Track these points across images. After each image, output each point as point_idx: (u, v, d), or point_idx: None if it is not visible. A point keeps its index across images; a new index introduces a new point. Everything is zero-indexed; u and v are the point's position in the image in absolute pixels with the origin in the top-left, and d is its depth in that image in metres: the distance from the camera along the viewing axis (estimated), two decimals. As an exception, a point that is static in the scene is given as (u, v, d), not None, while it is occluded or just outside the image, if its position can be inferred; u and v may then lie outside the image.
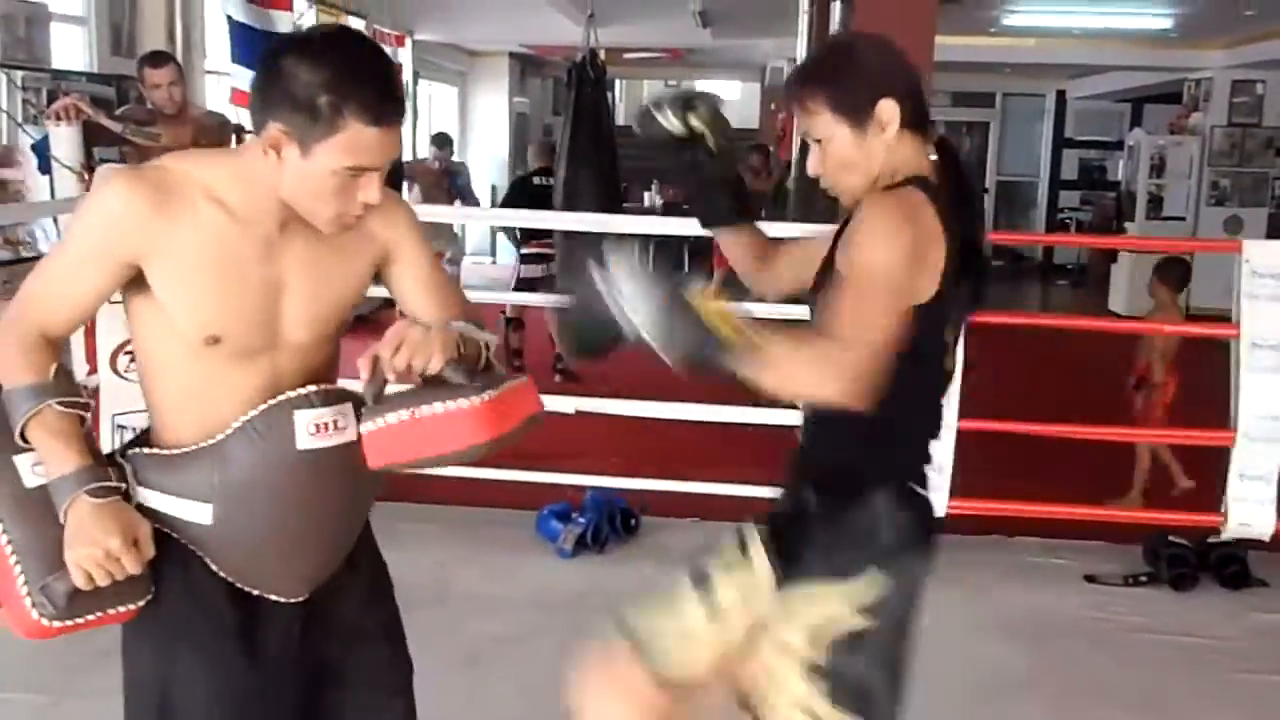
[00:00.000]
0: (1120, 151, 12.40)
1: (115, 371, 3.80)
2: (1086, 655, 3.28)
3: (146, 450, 1.54)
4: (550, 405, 3.96)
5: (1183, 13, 8.77)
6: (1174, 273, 4.85)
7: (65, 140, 3.94)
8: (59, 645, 3.06)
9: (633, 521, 4.05)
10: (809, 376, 1.48)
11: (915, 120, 1.63)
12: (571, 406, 3.97)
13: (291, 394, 1.50)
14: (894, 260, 1.51)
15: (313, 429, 1.49)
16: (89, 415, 1.51)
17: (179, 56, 5.36)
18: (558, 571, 3.78)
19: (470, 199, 7.94)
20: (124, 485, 1.49)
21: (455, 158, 8.40)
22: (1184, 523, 3.84)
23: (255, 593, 1.56)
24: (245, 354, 1.50)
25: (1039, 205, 14.64)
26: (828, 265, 1.67)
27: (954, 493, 3.66)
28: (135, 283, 1.48)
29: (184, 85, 4.30)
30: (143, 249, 1.43)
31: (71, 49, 5.62)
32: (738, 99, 17.75)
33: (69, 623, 1.46)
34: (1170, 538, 3.84)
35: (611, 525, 3.96)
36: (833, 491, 1.70)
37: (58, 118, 3.97)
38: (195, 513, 1.50)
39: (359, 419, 1.48)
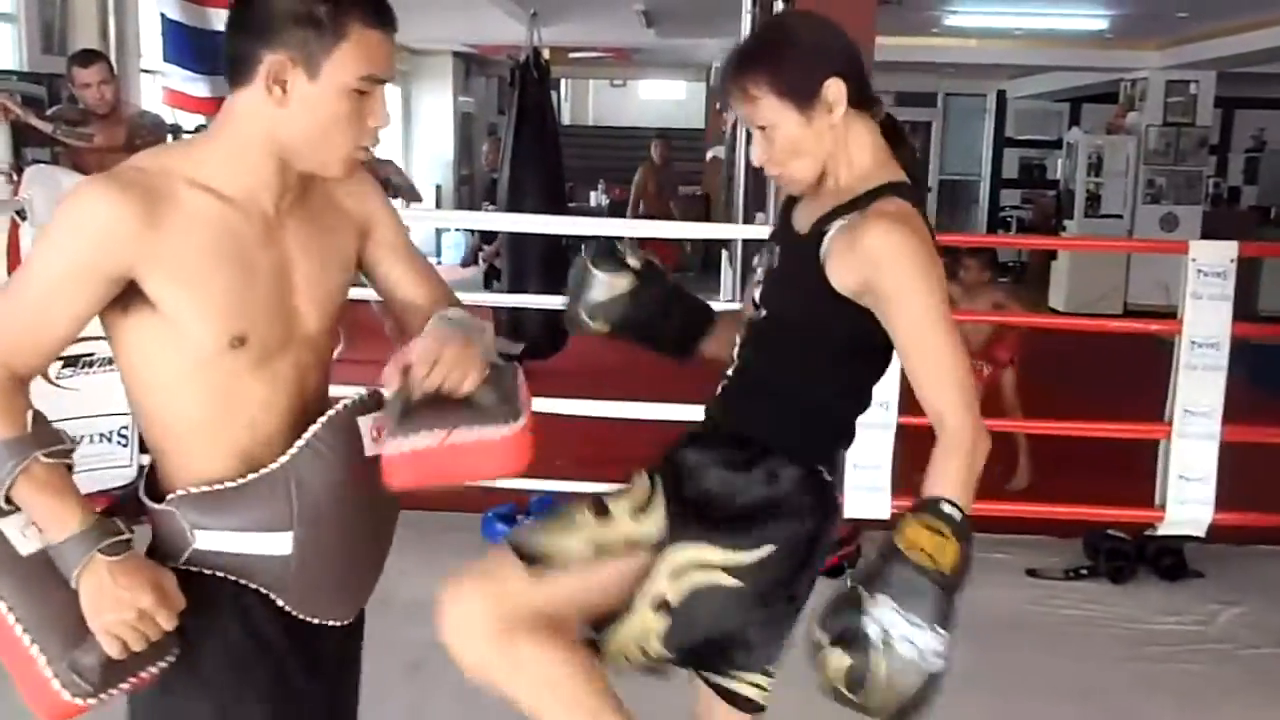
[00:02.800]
0: (1059, 150, 12.59)
1: (46, 378, 3.70)
2: (1027, 648, 3.32)
3: (196, 489, 1.37)
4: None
5: (1118, 14, 8.93)
6: (985, 257, 4.92)
7: (-7, 141, 3.85)
8: None
9: (579, 523, 4.03)
10: (978, 463, 1.50)
11: (861, 97, 1.56)
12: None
13: (349, 400, 1.40)
14: (940, 298, 1.50)
15: (374, 434, 1.40)
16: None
17: (112, 55, 5.26)
18: (503, 575, 3.74)
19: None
20: (133, 533, 1.34)
21: (389, 157, 8.30)
22: (1123, 518, 3.90)
23: (315, 621, 1.47)
24: (268, 354, 1.38)
25: (980, 203, 14.83)
26: (788, 263, 1.64)
27: (895, 490, 3.69)
28: (121, 300, 1.32)
29: (116, 84, 4.21)
30: (137, 260, 1.29)
31: (1, 47, 5.48)
32: (683, 98, 17.81)
33: (103, 696, 1.32)
34: (1109, 532, 3.90)
35: (557, 527, 3.93)
36: (743, 454, 1.65)
37: (-15, 117, 3.87)
38: (274, 545, 1.38)
39: (383, 441, 1.37)
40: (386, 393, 1.36)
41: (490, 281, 7.26)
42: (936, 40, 10.30)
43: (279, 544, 1.38)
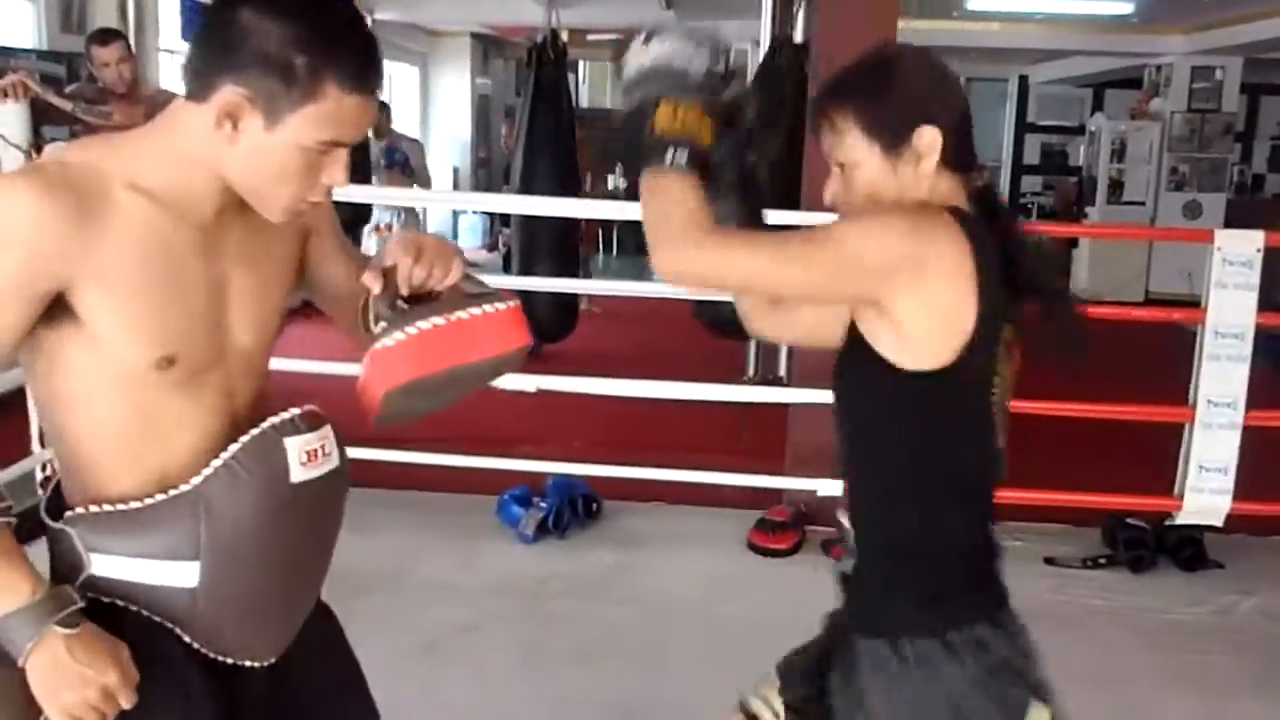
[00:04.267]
0: (1081, 136, 12.48)
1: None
2: (1046, 636, 3.27)
3: (96, 509, 1.25)
4: (512, 384, 3.95)
5: (1143, -2, 8.83)
6: None
7: (12, 118, 3.83)
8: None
9: (595, 506, 4.03)
10: (663, 226, 1.33)
11: (957, 158, 1.38)
12: (533, 385, 3.93)
13: (275, 420, 1.28)
14: (859, 232, 1.32)
15: (304, 458, 1.29)
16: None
17: (131, 34, 5.25)
18: (519, 557, 3.74)
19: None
20: (84, 601, 1.22)
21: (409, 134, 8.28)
22: (1142, 507, 3.87)
23: (230, 662, 1.33)
24: (195, 372, 1.26)
25: (1002, 189, 14.72)
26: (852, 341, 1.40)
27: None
28: (46, 314, 1.18)
29: (134, 63, 4.20)
30: (68, 272, 1.15)
31: (20, 26, 5.48)
32: (702, 82, 17.73)
33: None
34: (1128, 520, 3.88)
35: (573, 510, 3.94)
36: (875, 634, 1.38)
37: (4, 95, 3.86)
38: (178, 575, 1.25)
39: (375, 339, 1.25)
40: (373, 294, 1.27)
41: (510, 264, 7.25)
42: (958, 24, 10.20)
43: (184, 575, 1.25)
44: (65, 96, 4.13)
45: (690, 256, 1.31)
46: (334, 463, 1.34)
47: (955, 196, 1.38)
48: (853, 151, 1.38)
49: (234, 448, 1.26)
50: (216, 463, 1.25)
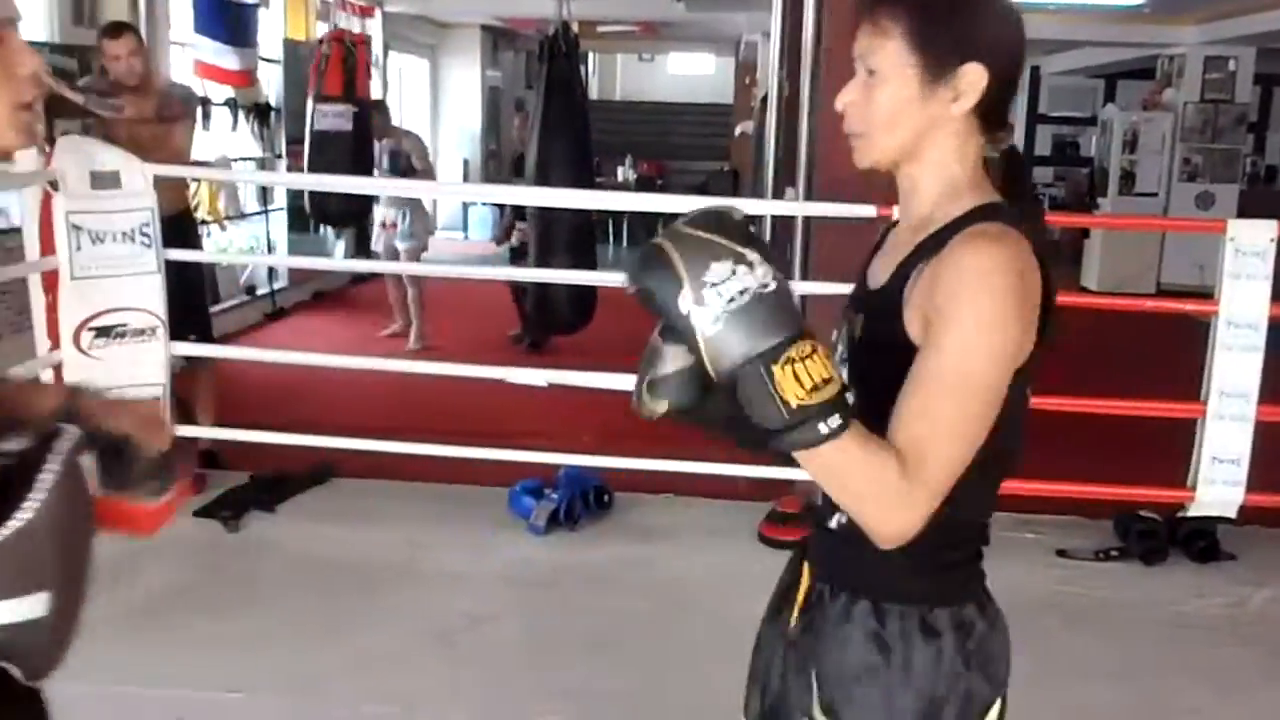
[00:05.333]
0: (1093, 127, 12.43)
1: (78, 348, 3.73)
2: (1058, 629, 3.30)
3: None
4: (522, 378, 3.95)
5: (1156, -12, 8.79)
6: None
7: (25, 112, 3.86)
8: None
9: (606, 498, 4.03)
10: (867, 510, 1.14)
11: (993, 112, 1.26)
12: (543, 379, 3.94)
13: (69, 437, 1.16)
14: (1003, 349, 1.16)
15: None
16: None
17: (142, 27, 5.25)
18: (530, 549, 3.75)
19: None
20: None
21: (415, 129, 8.27)
22: (1154, 499, 3.86)
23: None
24: None
25: (1012, 181, 14.70)
26: (889, 285, 1.27)
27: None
28: None
29: (145, 56, 4.21)
30: None
31: (32, 19, 5.50)
32: (712, 73, 17.69)
33: None
34: (1140, 513, 3.87)
35: (585, 502, 3.94)
36: (864, 614, 1.31)
37: (17, 88, 3.88)
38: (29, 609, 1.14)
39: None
40: (147, 446, 1.30)
41: (516, 257, 7.25)
42: (969, 14, 10.16)
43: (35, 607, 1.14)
44: (77, 90, 4.14)
45: (912, 520, 1.15)
46: None
47: (978, 158, 1.28)
48: (889, 61, 1.23)
49: (52, 470, 1.15)
50: (44, 487, 1.12)
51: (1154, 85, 11.28)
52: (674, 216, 1.18)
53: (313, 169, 6.47)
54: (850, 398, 1.10)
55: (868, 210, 3.46)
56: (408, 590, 3.41)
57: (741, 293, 1.07)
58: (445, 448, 3.94)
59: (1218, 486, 3.68)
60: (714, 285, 1.07)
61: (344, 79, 6.36)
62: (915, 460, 1.13)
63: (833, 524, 1.36)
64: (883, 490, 1.12)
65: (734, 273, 1.07)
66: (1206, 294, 3.80)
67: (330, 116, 6.33)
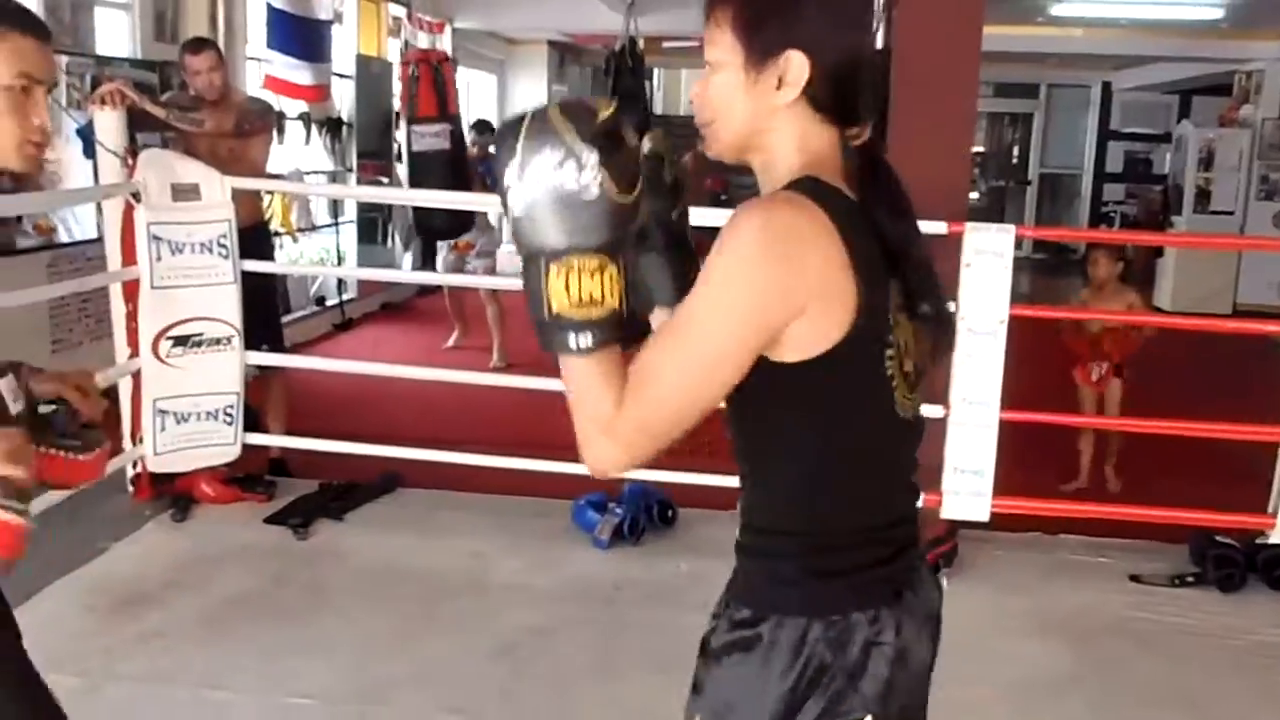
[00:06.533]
0: (1167, 144, 12.20)
1: (157, 356, 3.82)
2: (1130, 655, 3.23)
3: None
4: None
5: (1234, 3, 8.59)
6: (1114, 251, 4.79)
7: (110, 125, 3.96)
8: (100, 626, 3.11)
9: (670, 513, 4.03)
10: (580, 429, 1.17)
11: (834, 105, 1.24)
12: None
13: None
14: (736, 304, 1.15)
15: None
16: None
17: (221, 42, 5.38)
18: (594, 563, 3.76)
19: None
20: None
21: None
22: (1233, 524, 3.77)
23: None
24: None
25: (1083, 198, 14.46)
26: None
27: (996, 490, 3.61)
28: None
29: (225, 71, 4.30)
30: None
31: (115, 35, 5.65)
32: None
33: None
34: (1217, 538, 3.77)
35: (649, 517, 3.94)
36: (740, 608, 1.30)
37: (102, 103, 3.99)
38: None
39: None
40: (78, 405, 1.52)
41: None
42: (1040, 29, 10.04)
43: None
44: (160, 104, 4.24)
45: (616, 457, 1.17)
46: None
47: (828, 154, 1.25)
48: (721, 52, 1.25)
49: None
50: None
51: (1231, 101, 11.05)
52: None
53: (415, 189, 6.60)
54: (618, 326, 1.13)
55: (938, 227, 3.41)
56: (471, 601, 3.43)
57: (557, 187, 1.09)
58: (510, 460, 3.97)
59: (1299, 513, 3.58)
60: (537, 170, 1.10)
61: (437, 98, 6.48)
62: (629, 396, 1.15)
63: (736, 535, 1.36)
64: (596, 416, 1.16)
65: (560, 165, 1.09)
66: (1287, 315, 3.70)
67: (428, 137, 6.45)
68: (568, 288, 1.11)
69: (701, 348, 1.16)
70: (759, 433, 1.25)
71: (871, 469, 1.29)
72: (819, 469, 1.25)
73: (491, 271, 7.24)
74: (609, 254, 1.11)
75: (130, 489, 4.10)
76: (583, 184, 1.09)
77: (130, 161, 3.92)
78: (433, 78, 6.49)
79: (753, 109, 1.24)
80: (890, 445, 1.30)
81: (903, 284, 1.24)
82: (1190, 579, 3.72)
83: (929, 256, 1.29)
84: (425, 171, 6.49)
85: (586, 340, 1.12)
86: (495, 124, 7.81)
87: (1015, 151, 15.33)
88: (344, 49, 8.51)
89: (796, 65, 1.21)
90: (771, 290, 1.15)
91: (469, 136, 8.22)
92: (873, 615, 1.26)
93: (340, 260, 8.54)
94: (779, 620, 1.26)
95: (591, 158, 1.09)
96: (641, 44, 6.33)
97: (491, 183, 6.91)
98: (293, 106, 7.75)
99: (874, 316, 1.19)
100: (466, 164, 6.76)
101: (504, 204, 1.13)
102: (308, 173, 8.07)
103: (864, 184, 1.26)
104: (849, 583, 1.27)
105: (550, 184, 1.09)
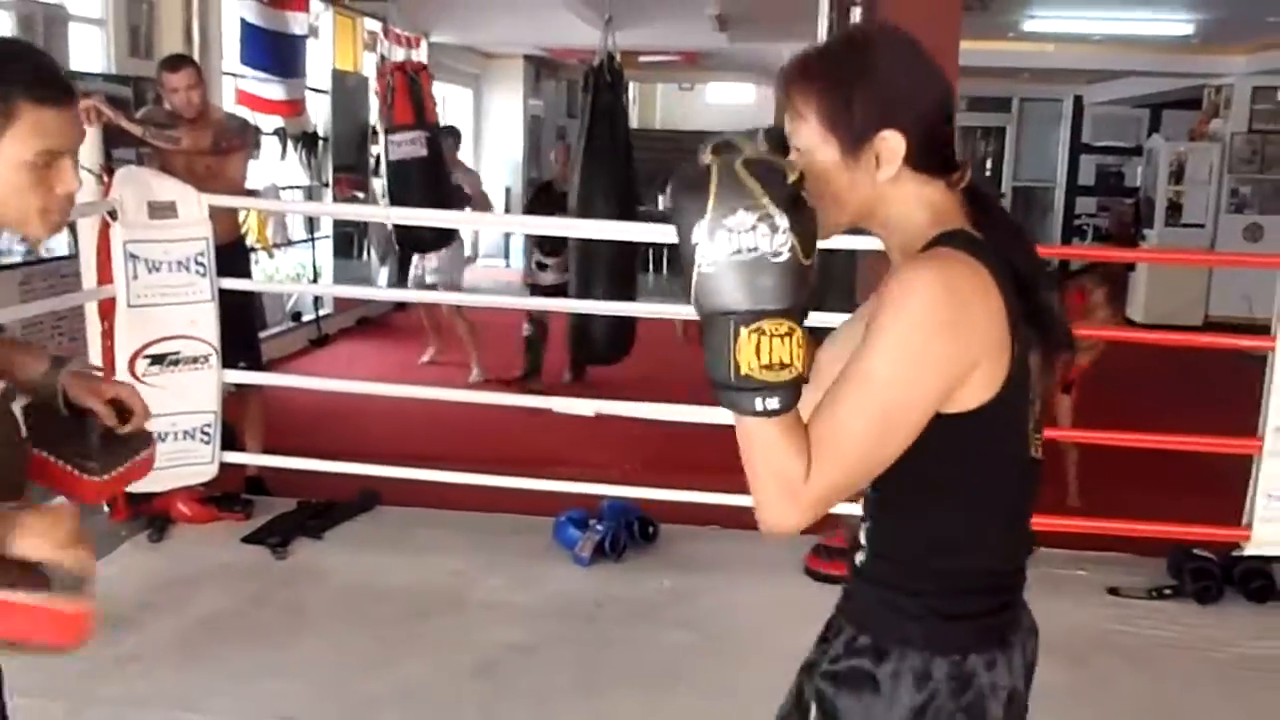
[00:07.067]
0: (1138, 157, 12.33)
1: (133, 375, 3.79)
2: (1111, 668, 3.24)
3: None
4: (569, 408, 3.94)
5: (1204, 18, 8.71)
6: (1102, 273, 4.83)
7: (86, 142, 3.93)
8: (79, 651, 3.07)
9: (651, 530, 4.02)
10: (760, 490, 1.18)
11: (929, 161, 1.26)
12: (591, 409, 3.94)
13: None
14: (915, 362, 1.16)
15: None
16: None
17: (196, 57, 5.35)
18: (575, 580, 3.75)
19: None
20: None
21: (463, 156, 8.31)
22: (1209, 537, 3.80)
23: None
24: None
25: (1055, 211, 14.60)
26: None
27: None
28: None
29: (203, 88, 4.28)
30: None
31: (89, 50, 5.62)
32: (751, 102, 17.73)
33: None
34: (1194, 551, 3.80)
35: (630, 533, 3.93)
36: (859, 635, 1.32)
37: (77, 119, 3.96)
38: None
39: None
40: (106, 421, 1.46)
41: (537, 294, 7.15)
42: (1013, 45, 10.14)
43: None
44: (136, 121, 4.21)
45: (798, 520, 1.18)
46: None
47: (947, 204, 1.27)
48: (810, 141, 1.26)
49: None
50: None
51: (1201, 115, 11.19)
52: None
53: (394, 200, 6.57)
54: (800, 389, 1.13)
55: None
56: (452, 619, 3.41)
57: (751, 249, 1.09)
58: (490, 477, 3.95)
59: (1274, 525, 3.61)
60: (730, 230, 1.09)
61: (413, 106, 6.45)
62: (820, 462, 1.15)
63: (857, 559, 1.37)
64: (780, 481, 1.15)
65: (754, 228, 1.08)
66: (1257, 327, 3.74)
67: (404, 144, 6.41)
68: (758, 351, 1.10)
69: (889, 411, 1.16)
70: (906, 473, 1.24)
71: (1008, 515, 1.32)
72: (965, 515, 1.28)
73: (451, 287, 7.12)
74: (796, 318, 1.12)
75: (106, 509, 4.05)
76: (775, 248, 1.09)
77: (106, 179, 3.89)
78: (409, 86, 6.46)
79: (858, 194, 1.26)
80: (1026, 488, 1.33)
81: (1036, 326, 1.25)
82: (1168, 591, 3.75)
83: (1051, 288, 1.31)
84: (403, 180, 6.45)
85: (774, 403, 1.12)
86: (458, 131, 7.79)
87: (988, 165, 15.47)
88: (320, 64, 8.49)
89: (892, 144, 1.23)
90: (955, 352, 1.17)
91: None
92: (990, 659, 1.28)
93: (316, 276, 8.50)
94: (902, 652, 1.28)
95: (784, 222, 1.09)
96: (619, 59, 6.32)
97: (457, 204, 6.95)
98: (268, 122, 7.73)
99: (1023, 368, 1.22)
100: (445, 172, 6.73)
101: (684, 259, 1.12)
102: (284, 188, 8.04)
103: (980, 224, 1.27)
104: (972, 626, 1.29)
105: (744, 246, 1.09)
